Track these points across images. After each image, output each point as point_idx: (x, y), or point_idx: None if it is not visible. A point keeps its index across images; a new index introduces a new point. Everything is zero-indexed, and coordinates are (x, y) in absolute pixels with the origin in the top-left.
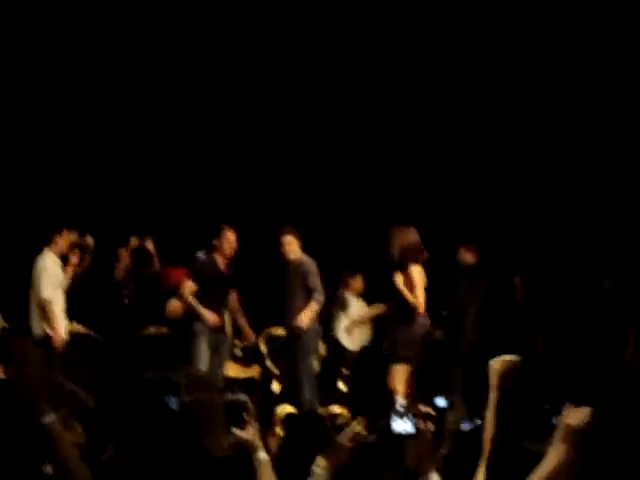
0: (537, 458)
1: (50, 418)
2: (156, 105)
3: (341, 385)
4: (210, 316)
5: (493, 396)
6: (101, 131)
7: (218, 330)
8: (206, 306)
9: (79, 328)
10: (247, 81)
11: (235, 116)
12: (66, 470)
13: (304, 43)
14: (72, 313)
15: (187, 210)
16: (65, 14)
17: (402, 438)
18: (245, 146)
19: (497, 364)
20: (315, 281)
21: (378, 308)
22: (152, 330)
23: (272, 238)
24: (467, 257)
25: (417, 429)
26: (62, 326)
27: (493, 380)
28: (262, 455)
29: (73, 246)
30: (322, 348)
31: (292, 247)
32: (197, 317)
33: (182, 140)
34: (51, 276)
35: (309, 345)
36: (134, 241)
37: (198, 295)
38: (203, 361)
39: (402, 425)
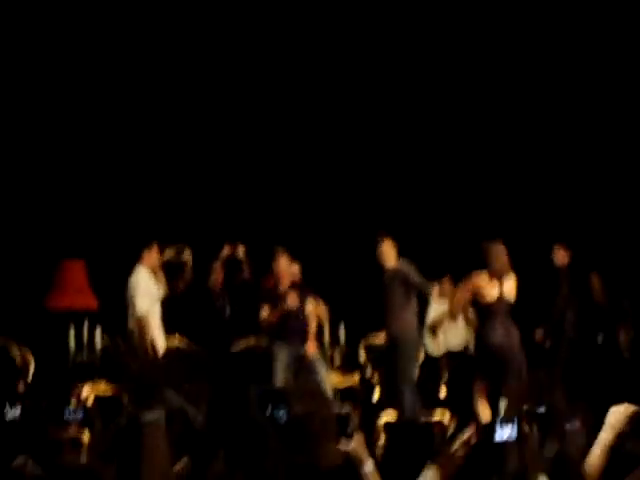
0: None
1: (151, 416)
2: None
3: (442, 390)
4: None
5: (607, 436)
6: (183, 147)
7: (299, 347)
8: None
9: (180, 342)
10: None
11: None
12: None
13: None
14: (173, 327)
15: (282, 219)
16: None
17: (506, 444)
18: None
19: (624, 410)
20: (417, 277)
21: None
22: (252, 341)
23: (370, 245)
24: (562, 257)
25: (521, 434)
26: (161, 340)
27: (615, 422)
28: (369, 467)
29: (171, 261)
30: (421, 354)
31: (389, 254)
32: (274, 337)
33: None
34: (145, 291)
35: (410, 352)
36: (227, 249)
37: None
38: (280, 380)
39: (506, 430)
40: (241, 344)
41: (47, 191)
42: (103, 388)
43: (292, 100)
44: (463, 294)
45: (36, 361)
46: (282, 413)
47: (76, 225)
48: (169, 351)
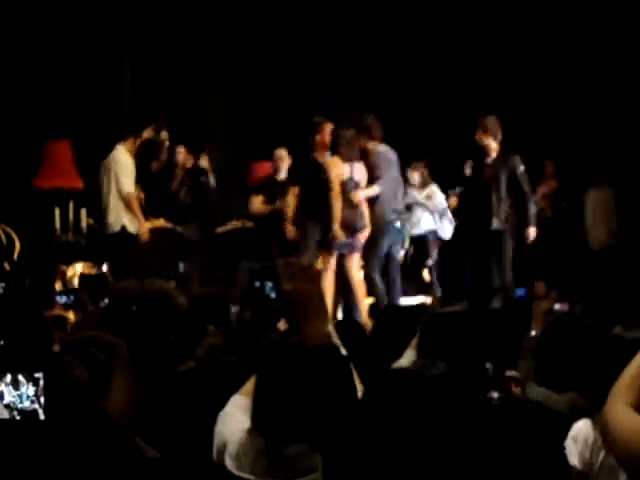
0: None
1: None
2: None
3: (425, 275)
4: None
5: None
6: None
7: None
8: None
9: (162, 223)
10: None
11: None
12: None
13: None
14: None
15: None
16: None
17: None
18: None
19: None
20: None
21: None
22: (238, 224)
23: None
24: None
25: (531, 295)
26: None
27: None
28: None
29: (149, 142)
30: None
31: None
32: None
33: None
34: (129, 171)
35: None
36: (184, 156)
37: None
38: (311, 257)
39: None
40: (227, 226)
41: (32, 71)
42: (88, 267)
43: None
44: None
45: (21, 241)
46: (270, 288)
47: (62, 105)
48: (155, 230)
